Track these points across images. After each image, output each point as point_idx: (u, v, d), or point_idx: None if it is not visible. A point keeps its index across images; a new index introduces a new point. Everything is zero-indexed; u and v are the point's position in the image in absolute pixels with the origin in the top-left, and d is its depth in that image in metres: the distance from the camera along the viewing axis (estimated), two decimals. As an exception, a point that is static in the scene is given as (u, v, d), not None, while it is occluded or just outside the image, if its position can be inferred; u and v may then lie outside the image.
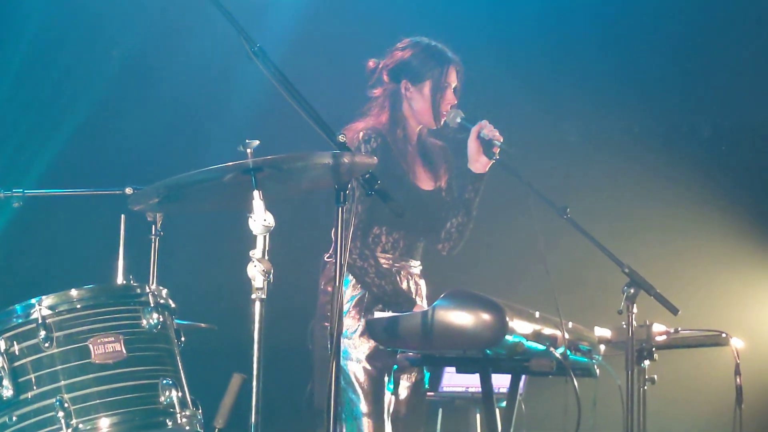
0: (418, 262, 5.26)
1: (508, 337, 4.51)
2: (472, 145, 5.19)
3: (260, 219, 3.73)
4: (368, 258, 5.02)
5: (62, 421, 3.62)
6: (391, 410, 5.06)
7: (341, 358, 4.75)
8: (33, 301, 3.73)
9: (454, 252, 5.38)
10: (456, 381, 6.76)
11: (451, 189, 5.35)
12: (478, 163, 5.22)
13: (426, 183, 5.29)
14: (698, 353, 5.75)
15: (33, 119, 7.15)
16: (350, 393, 4.96)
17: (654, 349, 4.86)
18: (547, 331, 4.72)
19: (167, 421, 3.75)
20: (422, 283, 5.28)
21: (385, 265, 5.09)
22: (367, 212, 4.99)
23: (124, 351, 3.75)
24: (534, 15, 7.73)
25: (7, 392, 3.66)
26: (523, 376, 5.42)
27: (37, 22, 7.06)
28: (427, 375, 5.25)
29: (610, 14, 7.74)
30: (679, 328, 4.96)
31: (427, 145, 5.35)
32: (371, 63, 5.33)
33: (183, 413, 3.78)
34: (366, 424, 4.95)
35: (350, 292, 5.05)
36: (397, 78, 5.25)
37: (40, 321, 3.69)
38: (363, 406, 4.96)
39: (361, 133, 5.07)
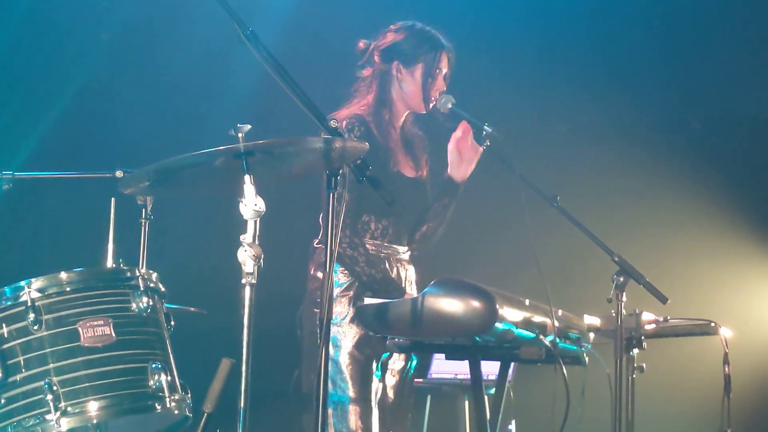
0: (406, 248, 5.27)
1: (498, 325, 4.51)
2: (458, 147, 5.19)
3: (251, 204, 3.72)
4: (358, 247, 5.02)
5: (51, 403, 3.61)
6: (378, 397, 5.07)
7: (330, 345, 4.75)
8: (22, 283, 3.72)
9: (423, 253, 5.40)
10: (445, 368, 6.77)
11: (430, 181, 5.37)
12: (460, 170, 5.24)
13: (408, 171, 5.29)
14: (687, 342, 5.75)
15: (22, 100, 7.12)
16: (338, 379, 4.96)
17: (643, 337, 4.87)
18: (537, 318, 4.72)
19: (156, 404, 3.75)
20: (411, 268, 5.29)
21: (373, 252, 5.09)
22: (356, 201, 4.99)
23: (114, 334, 3.74)
24: (524, 5, 7.73)
25: (-4, 374, 3.66)
26: (513, 364, 5.43)
27: (27, 1, 7.02)
28: (413, 361, 5.26)
29: (599, 5, 7.74)
30: (668, 317, 4.96)
31: (410, 135, 5.35)
32: (361, 44, 5.33)
33: (172, 397, 3.78)
34: (353, 410, 4.95)
35: (340, 278, 5.05)
36: (389, 59, 5.26)
37: (29, 303, 3.68)
38: (350, 393, 4.96)
39: (345, 122, 5.06)
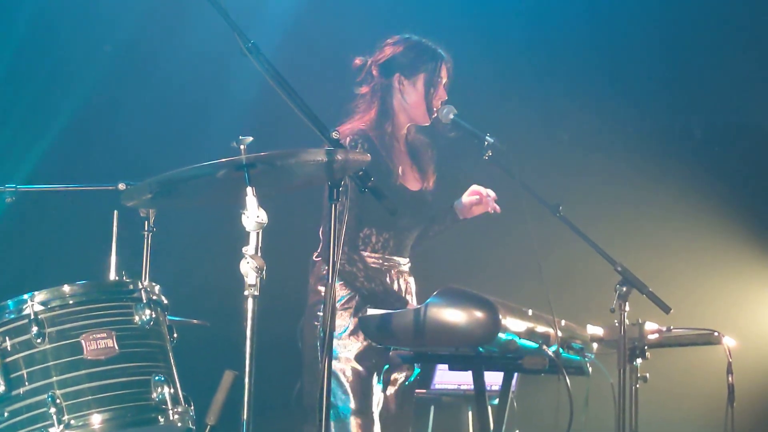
0: (407, 260, 5.27)
1: (501, 335, 4.51)
2: (481, 199, 5.25)
3: (253, 215, 3.73)
4: (356, 263, 5.03)
5: (54, 417, 3.61)
6: (380, 408, 5.06)
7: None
8: (25, 296, 3.73)
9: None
10: (448, 378, 6.76)
11: (433, 194, 5.38)
12: (468, 212, 5.33)
13: (413, 183, 5.29)
14: (690, 352, 5.75)
15: (25, 114, 7.12)
16: (339, 392, 4.96)
17: (646, 347, 4.86)
18: (540, 329, 4.72)
19: (159, 417, 3.75)
20: (411, 280, 5.29)
21: (374, 265, 5.10)
22: (355, 217, 4.98)
23: (117, 347, 3.74)
24: (525, 15, 7.73)
25: (-1, 388, 3.66)
26: (516, 374, 5.43)
27: (29, 15, 7.03)
28: (416, 372, 5.25)
29: (601, 14, 7.75)
30: (672, 327, 4.96)
31: (415, 145, 5.36)
32: (358, 60, 5.33)
33: (175, 410, 3.78)
34: (354, 422, 4.95)
35: (340, 292, 5.04)
36: (389, 72, 5.26)
37: (32, 316, 3.68)
38: (352, 405, 4.96)
39: (348, 139, 5.06)
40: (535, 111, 7.74)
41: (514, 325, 4.57)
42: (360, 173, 4.00)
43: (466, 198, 5.32)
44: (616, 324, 4.75)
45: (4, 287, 4.79)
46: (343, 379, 4.97)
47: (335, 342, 4.95)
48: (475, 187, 5.32)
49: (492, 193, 5.29)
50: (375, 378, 5.04)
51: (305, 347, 5.09)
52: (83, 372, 3.68)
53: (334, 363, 4.95)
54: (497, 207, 5.29)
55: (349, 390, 4.96)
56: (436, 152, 5.44)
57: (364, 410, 4.97)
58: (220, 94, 7.33)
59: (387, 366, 5.05)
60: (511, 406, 5.37)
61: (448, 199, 5.42)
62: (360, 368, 4.99)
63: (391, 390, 5.16)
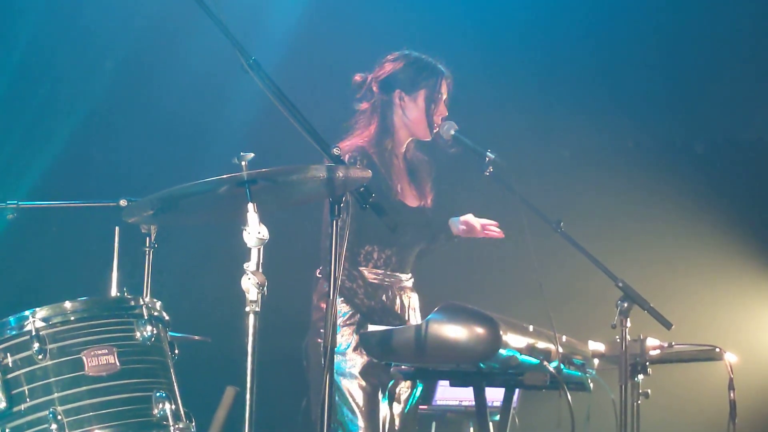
0: (410, 275, 5.27)
1: (502, 351, 4.50)
2: (482, 228, 5.27)
3: (254, 231, 3.73)
4: (356, 279, 5.02)
5: (55, 433, 3.61)
6: (387, 425, 5.05)
7: (335, 374, 4.76)
8: (27, 313, 3.73)
9: None
10: (449, 394, 6.75)
11: (432, 211, 5.38)
12: (465, 234, 5.34)
13: (411, 200, 5.30)
14: (692, 368, 5.74)
15: (27, 130, 7.14)
16: (344, 409, 4.95)
17: (648, 363, 4.86)
18: (541, 344, 4.72)
19: (160, 433, 3.75)
20: (414, 296, 5.28)
21: (375, 281, 5.09)
22: (355, 232, 4.97)
23: (118, 363, 3.74)
24: (526, 31, 7.75)
25: (0, 404, 3.65)
26: (517, 390, 5.42)
27: (31, 31, 7.05)
28: (418, 389, 5.25)
29: (603, 29, 7.76)
30: (673, 343, 4.96)
31: (414, 162, 5.36)
32: (358, 77, 5.34)
33: (176, 426, 3.77)
34: (363, 440, 4.95)
35: (342, 307, 5.04)
36: (390, 88, 5.27)
37: (33, 333, 3.68)
38: (359, 422, 4.95)
39: (347, 156, 5.06)
40: (535, 127, 7.75)
41: (515, 341, 4.57)
42: (361, 189, 4.00)
43: (461, 219, 5.34)
44: (618, 340, 4.74)
45: (6, 303, 4.79)
46: (349, 397, 4.96)
47: (340, 357, 4.95)
48: (469, 217, 5.34)
49: (488, 222, 5.31)
50: (380, 394, 5.03)
51: (310, 364, 5.08)
52: (84, 388, 3.68)
53: (339, 379, 4.95)
54: (497, 232, 5.31)
55: (355, 408, 4.96)
56: (435, 169, 5.44)
57: (371, 427, 4.96)
58: (221, 111, 7.35)
59: (392, 382, 5.04)
60: (513, 422, 5.36)
61: (448, 217, 5.43)
62: (365, 384, 4.98)
63: (396, 407, 5.15)
